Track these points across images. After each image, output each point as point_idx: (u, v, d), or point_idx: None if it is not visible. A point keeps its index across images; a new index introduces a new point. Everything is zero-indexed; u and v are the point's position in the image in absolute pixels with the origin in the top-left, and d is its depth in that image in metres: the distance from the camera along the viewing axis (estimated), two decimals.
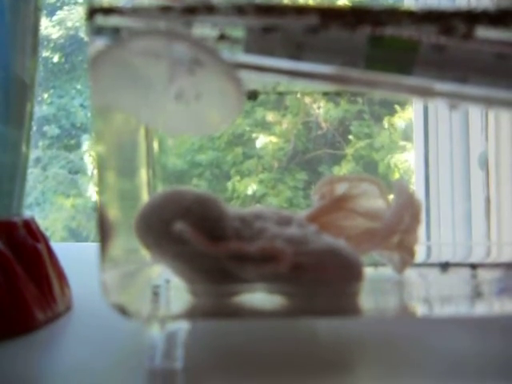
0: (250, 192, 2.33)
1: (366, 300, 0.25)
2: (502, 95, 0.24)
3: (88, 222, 2.42)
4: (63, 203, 2.46)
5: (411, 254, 0.30)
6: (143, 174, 0.31)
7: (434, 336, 0.25)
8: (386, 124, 2.17)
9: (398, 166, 2.17)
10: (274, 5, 0.22)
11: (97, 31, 0.23)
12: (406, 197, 0.29)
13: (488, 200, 0.71)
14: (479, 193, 0.74)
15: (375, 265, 0.33)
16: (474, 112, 0.79)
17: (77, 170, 2.44)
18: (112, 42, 0.23)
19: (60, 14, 2.70)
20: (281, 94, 0.35)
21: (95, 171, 0.22)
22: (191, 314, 0.24)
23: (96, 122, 0.22)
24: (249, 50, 0.25)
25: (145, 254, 0.28)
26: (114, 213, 0.24)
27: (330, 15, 0.22)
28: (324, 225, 0.30)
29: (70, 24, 2.70)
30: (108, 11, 0.22)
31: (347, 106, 2.28)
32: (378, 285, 0.28)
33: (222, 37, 0.25)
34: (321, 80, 0.27)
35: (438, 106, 0.85)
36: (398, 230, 0.29)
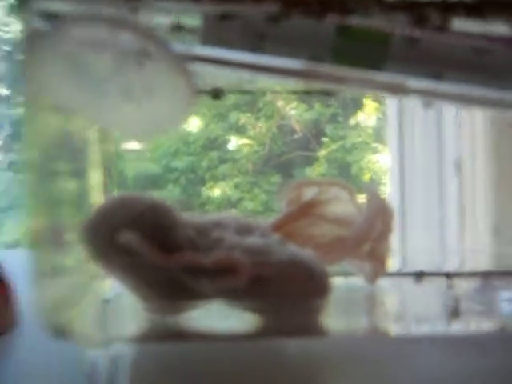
0: (224, 196, 2.30)
1: (334, 317, 0.23)
2: (479, 93, 0.23)
3: None
4: None
5: (383, 263, 0.28)
6: (92, 178, 0.28)
7: (409, 353, 0.23)
8: (355, 122, 2.17)
9: (370, 167, 2.18)
10: None
11: (33, 16, 0.20)
12: (377, 203, 0.28)
13: (463, 206, 0.70)
14: (454, 198, 0.73)
15: (345, 275, 0.31)
16: (449, 116, 0.78)
17: None
18: (50, 29, 0.20)
19: None
20: (248, 93, 0.32)
21: (24, 176, 0.20)
22: (140, 337, 0.21)
23: (27, 121, 0.20)
24: (206, 40, 0.22)
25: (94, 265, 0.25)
26: (43, 220, 0.21)
27: (292, 2, 0.20)
28: (290, 233, 0.28)
29: None
30: None
31: (321, 108, 2.28)
32: (347, 299, 0.26)
33: (178, 27, 0.23)
34: (287, 76, 0.25)
35: (414, 110, 0.84)
36: (370, 237, 0.27)
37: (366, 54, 0.22)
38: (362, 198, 0.30)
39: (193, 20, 0.23)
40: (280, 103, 2.37)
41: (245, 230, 0.24)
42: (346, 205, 0.30)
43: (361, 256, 0.28)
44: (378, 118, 2.21)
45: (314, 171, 2.34)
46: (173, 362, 0.23)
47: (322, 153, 2.31)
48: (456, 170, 0.74)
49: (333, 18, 0.21)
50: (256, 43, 0.22)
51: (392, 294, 0.29)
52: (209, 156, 2.42)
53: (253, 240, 0.23)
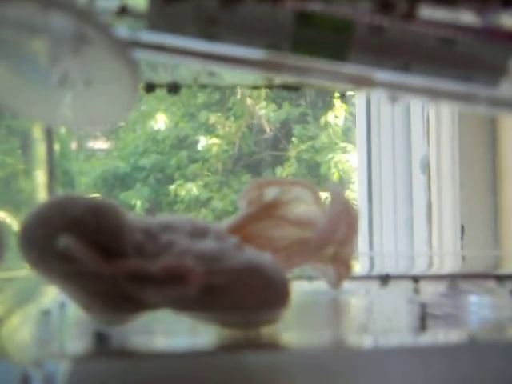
0: (193, 196, 2.28)
1: (294, 328, 0.22)
2: (447, 86, 0.21)
3: None
4: None
5: (347, 266, 0.27)
6: (38, 178, 0.26)
7: (375, 366, 0.21)
8: (324, 121, 2.17)
9: (339, 167, 2.18)
10: None
11: None
12: (341, 203, 0.26)
13: (429, 205, 0.69)
14: (421, 198, 0.73)
15: (308, 279, 0.30)
16: (416, 115, 0.77)
17: None
18: None
19: None
20: (203, 86, 0.30)
21: None
22: (82, 355, 0.19)
23: None
24: (153, 25, 0.20)
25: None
26: None
27: None
28: (250, 235, 0.26)
29: None
30: None
31: (290, 108, 2.28)
32: (309, 307, 0.25)
33: (123, 10, 0.21)
34: (246, 66, 0.24)
35: (381, 109, 0.83)
36: (333, 240, 0.26)
37: (328, 42, 0.20)
38: (326, 198, 0.28)
39: (141, 3, 0.21)
40: (249, 102, 2.35)
41: (199, 233, 0.22)
42: (308, 206, 0.29)
43: (324, 259, 0.26)
44: (347, 118, 2.22)
45: (284, 171, 2.34)
46: (116, 381, 0.21)
47: (292, 152, 2.31)
48: (422, 170, 0.74)
49: (292, 4, 0.19)
50: (209, 30, 0.20)
51: (357, 299, 0.27)
52: (178, 155, 2.39)
53: (206, 244, 0.21)
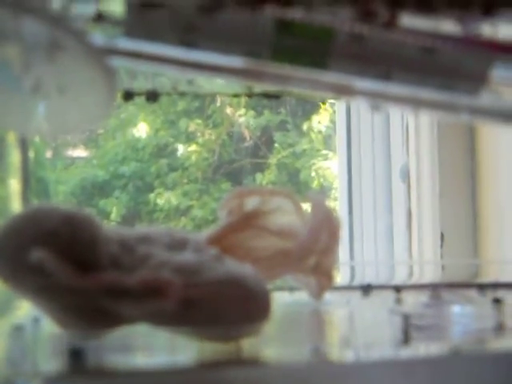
0: (173, 204, 2.26)
1: (275, 342, 0.21)
2: (428, 95, 0.21)
3: None
4: None
5: (329, 277, 0.26)
6: (15, 189, 0.25)
7: (358, 380, 0.21)
8: (305, 129, 2.18)
9: (320, 174, 2.19)
10: None
11: None
12: (323, 213, 0.26)
13: (409, 213, 0.69)
14: (401, 206, 0.73)
15: (289, 290, 0.29)
16: (396, 123, 0.78)
17: None
18: None
19: None
20: (182, 94, 0.30)
21: None
22: (57, 375, 0.18)
23: None
24: (130, 32, 0.20)
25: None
26: None
27: None
28: (230, 246, 0.26)
29: None
30: None
31: (270, 115, 2.28)
32: (290, 319, 0.24)
33: (100, 16, 0.20)
34: (225, 74, 0.23)
35: (361, 117, 0.83)
36: (315, 250, 0.26)
37: (308, 51, 0.20)
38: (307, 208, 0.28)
39: (118, 9, 0.20)
40: (229, 110, 2.35)
41: (177, 244, 0.22)
42: (290, 215, 0.28)
43: (306, 270, 0.26)
44: (328, 126, 2.23)
45: (265, 178, 2.34)
46: None
47: (272, 160, 2.31)
48: (402, 178, 0.74)
49: (271, 11, 0.19)
50: (187, 37, 0.20)
51: (339, 310, 0.27)
52: (158, 163, 2.38)
53: (184, 257, 0.21)
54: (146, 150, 2.49)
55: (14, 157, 0.25)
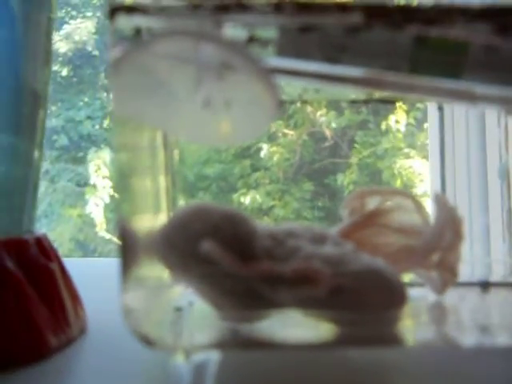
0: (256, 204, 2.31)
1: (408, 327, 0.23)
2: None
3: (95, 235, 2.42)
4: (71, 215, 2.46)
5: (453, 273, 0.28)
6: (162, 185, 0.29)
7: (475, 364, 0.22)
8: (386, 127, 2.15)
9: (402, 173, 2.15)
10: (314, 2, 0.20)
11: (118, 33, 0.21)
12: (446, 211, 0.27)
13: (510, 211, 0.68)
14: (498, 205, 0.72)
15: (411, 285, 0.31)
16: (491, 122, 0.76)
17: (85, 183, 2.45)
18: (133, 44, 0.21)
19: (67, 28, 2.73)
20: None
21: (115, 182, 0.20)
22: (219, 344, 0.22)
23: (116, 132, 0.20)
24: (282, 52, 0.23)
25: (164, 273, 0.26)
26: (135, 226, 0.22)
27: (376, 14, 0.20)
28: (357, 242, 0.28)
29: (77, 38, 2.73)
30: (131, 10, 0.20)
31: (351, 115, 2.27)
32: (419, 310, 0.26)
33: (252, 38, 0.23)
34: (354, 84, 0.25)
35: (454, 115, 0.83)
36: (439, 247, 0.27)
37: (444, 63, 0.22)
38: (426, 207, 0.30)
39: (265, 32, 0.23)
40: (310, 110, 2.36)
41: (318, 239, 0.24)
42: (410, 214, 0.30)
43: (430, 266, 0.28)
44: (409, 124, 2.19)
45: (346, 178, 2.33)
46: (258, 371, 0.23)
47: (354, 159, 2.30)
48: (501, 176, 0.73)
49: (413, 29, 0.21)
50: (333, 54, 0.22)
51: (461, 303, 0.29)
52: (241, 164, 2.43)
53: (329, 249, 0.23)
54: (229, 152, 2.55)
55: (161, 156, 0.28)
